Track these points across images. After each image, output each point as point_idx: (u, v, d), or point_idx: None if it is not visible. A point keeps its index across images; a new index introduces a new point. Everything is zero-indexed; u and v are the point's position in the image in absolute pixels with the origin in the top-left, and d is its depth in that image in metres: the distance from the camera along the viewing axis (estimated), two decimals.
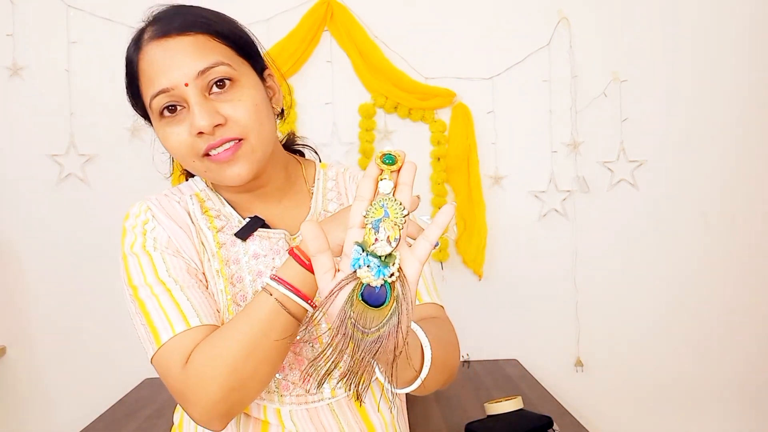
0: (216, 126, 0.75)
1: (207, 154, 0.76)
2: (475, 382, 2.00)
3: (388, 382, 0.60)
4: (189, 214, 0.84)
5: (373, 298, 0.52)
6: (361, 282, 0.53)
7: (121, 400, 1.97)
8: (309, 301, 0.69)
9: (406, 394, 0.90)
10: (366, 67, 2.20)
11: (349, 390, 0.53)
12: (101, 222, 2.17)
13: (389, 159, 0.55)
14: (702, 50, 2.30)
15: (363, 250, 0.53)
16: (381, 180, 0.55)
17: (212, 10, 0.82)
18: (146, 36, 0.79)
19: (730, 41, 2.30)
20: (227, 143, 0.76)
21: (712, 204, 2.31)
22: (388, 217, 0.53)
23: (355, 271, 0.53)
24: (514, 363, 2.21)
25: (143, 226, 0.82)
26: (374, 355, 0.52)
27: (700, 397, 2.32)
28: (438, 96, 2.22)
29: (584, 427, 1.60)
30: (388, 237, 0.53)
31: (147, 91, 0.78)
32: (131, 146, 2.18)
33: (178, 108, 0.77)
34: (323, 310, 0.54)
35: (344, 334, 0.52)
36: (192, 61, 0.75)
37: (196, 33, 0.77)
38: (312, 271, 0.64)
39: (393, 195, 0.54)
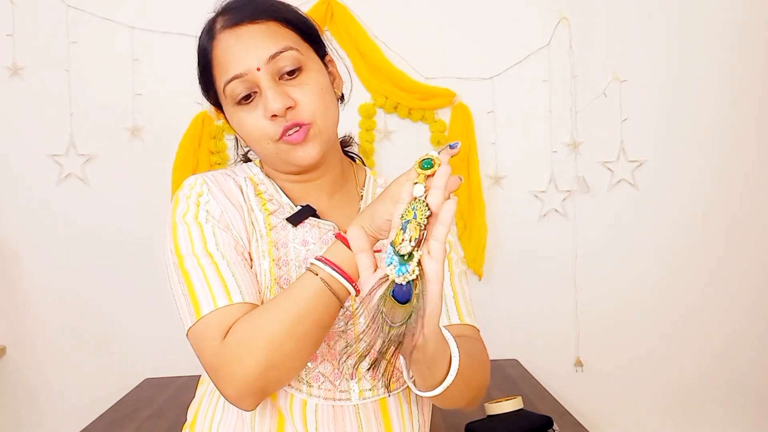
0: (288, 108, 0.79)
1: (280, 138, 0.80)
2: None
3: (407, 375, 0.67)
4: (242, 194, 0.86)
5: (401, 295, 0.57)
6: (393, 280, 0.58)
7: (121, 400, 1.97)
8: (353, 284, 0.70)
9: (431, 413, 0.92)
10: (366, 67, 2.20)
11: (376, 379, 0.60)
12: (101, 222, 2.17)
13: (427, 164, 0.60)
14: (702, 50, 2.30)
15: (393, 250, 0.58)
16: (414, 184, 0.59)
17: (274, 1, 0.86)
18: (218, 26, 0.83)
19: (730, 41, 2.30)
20: (298, 126, 0.80)
21: (712, 204, 2.31)
22: (415, 218, 0.58)
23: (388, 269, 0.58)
24: (514, 363, 2.21)
25: (197, 198, 0.83)
26: (397, 346, 0.57)
27: (701, 397, 2.32)
28: (438, 96, 2.22)
29: (584, 427, 1.60)
30: (411, 237, 0.57)
31: (221, 78, 0.81)
32: (131, 146, 2.18)
33: (252, 94, 0.80)
34: (364, 306, 0.58)
35: (376, 326, 0.57)
36: (264, 47, 0.79)
37: (267, 20, 0.81)
38: None
39: (424, 198, 0.58)
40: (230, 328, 0.73)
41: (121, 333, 2.18)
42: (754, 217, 2.32)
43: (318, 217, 0.87)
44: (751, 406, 2.33)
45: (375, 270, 0.61)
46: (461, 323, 0.86)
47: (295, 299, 0.71)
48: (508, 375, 2.07)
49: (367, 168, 1.00)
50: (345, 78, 0.93)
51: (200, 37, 0.85)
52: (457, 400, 0.75)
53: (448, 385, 0.67)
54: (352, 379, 0.81)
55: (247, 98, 0.81)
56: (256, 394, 0.72)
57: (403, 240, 0.57)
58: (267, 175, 0.91)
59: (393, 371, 0.60)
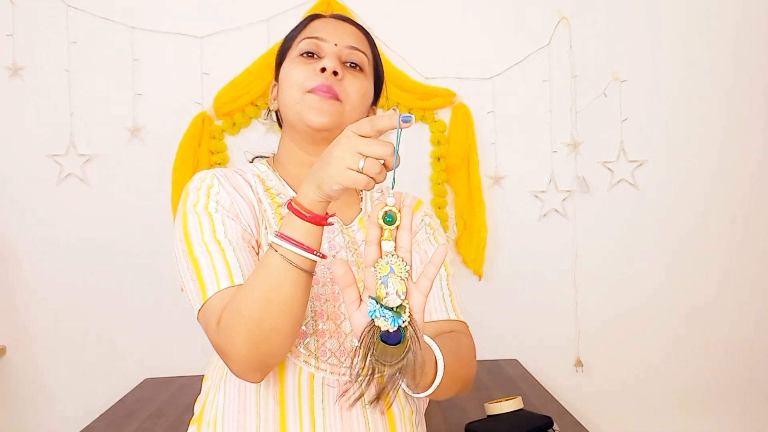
0: (334, 73, 0.90)
1: (311, 91, 0.89)
2: (475, 382, 1.98)
3: (410, 389, 0.76)
4: (251, 188, 0.93)
5: (391, 339, 0.64)
6: (379, 327, 0.64)
7: (121, 400, 1.97)
8: (314, 252, 0.73)
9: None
10: None
11: (377, 407, 0.69)
12: (101, 222, 2.17)
13: (390, 217, 0.65)
14: (702, 50, 2.30)
15: (377, 303, 0.64)
16: (383, 241, 0.65)
17: None
18: (327, 15, 0.99)
19: (729, 41, 2.30)
20: (332, 93, 0.89)
21: (712, 204, 2.31)
22: (394, 272, 0.64)
23: (373, 320, 0.64)
24: (514, 363, 2.21)
25: (208, 190, 0.89)
26: (398, 380, 0.65)
27: (700, 397, 2.32)
28: (438, 96, 2.22)
29: (584, 427, 1.60)
30: (397, 291, 0.64)
31: (303, 34, 0.95)
32: (131, 146, 2.19)
33: (315, 57, 0.93)
34: (360, 359, 0.65)
35: (371, 368, 0.64)
36: (350, 39, 0.94)
37: (360, 31, 0.98)
38: (313, 222, 0.72)
39: (396, 252, 0.65)
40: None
41: (121, 333, 2.18)
42: (755, 217, 2.32)
43: None
44: (751, 404, 2.33)
45: (359, 304, 0.67)
46: (457, 319, 0.96)
47: (262, 278, 0.74)
48: (508, 375, 2.07)
49: (395, 153, 1.05)
50: None
51: (304, 19, 1.00)
52: (446, 393, 0.81)
53: (436, 387, 0.76)
54: (351, 407, 0.86)
55: (310, 56, 0.93)
56: (255, 368, 0.77)
57: (387, 294, 0.63)
58: (274, 171, 0.98)
59: (394, 400, 0.73)
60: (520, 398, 1.61)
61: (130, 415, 1.81)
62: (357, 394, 0.66)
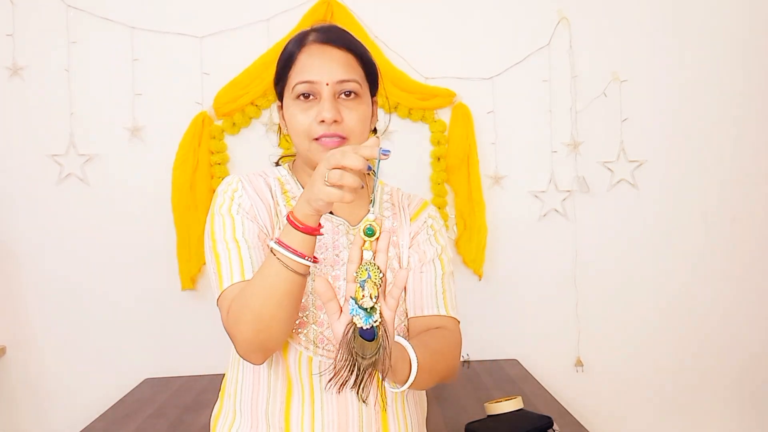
0: (334, 121, 0.96)
1: (317, 139, 0.98)
2: (475, 382, 2.00)
3: (385, 381, 0.87)
4: (271, 191, 1.04)
5: (367, 335, 0.75)
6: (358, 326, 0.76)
7: (121, 400, 1.97)
8: (306, 258, 0.84)
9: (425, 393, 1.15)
10: None
11: (359, 394, 0.78)
12: (101, 222, 2.17)
13: (370, 231, 0.76)
14: (702, 50, 2.30)
15: (355, 302, 0.75)
16: (364, 250, 0.76)
17: (357, 39, 1.07)
18: (310, 38, 1.01)
19: (729, 41, 2.30)
20: (336, 137, 0.97)
21: (712, 204, 2.31)
22: (370, 278, 0.75)
23: (352, 317, 0.76)
24: (514, 363, 2.21)
25: (233, 194, 1.01)
26: (372, 371, 0.77)
27: (700, 397, 2.32)
28: (438, 96, 2.22)
29: (584, 427, 1.60)
30: (371, 294, 0.74)
31: (295, 77, 1.00)
32: (131, 146, 2.19)
33: (311, 97, 0.99)
34: (341, 348, 0.76)
35: (351, 359, 0.76)
36: (339, 71, 0.99)
37: (348, 51, 1.01)
38: (306, 233, 0.83)
39: (374, 260, 0.76)
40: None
41: (121, 333, 2.18)
42: (754, 217, 2.32)
43: (331, 213, 1.04)
44: (751, 404, 2.34)
45: (339, 315, 0.77)
46: (447, 315, 1.03)
47: (264, 278, 0.86)
48: (508, 375, 2.07)
49: (375, 177, 1.08)
50: (382, 119, 1.09)
51: (290, 43, 1.03)
52: (424, 385, 0.92)
53: (412, 381, 0.86)
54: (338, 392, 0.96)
55: (306, 97, 0.98)
56: (257, 352, 0.90)
57: (363, 296, 0.74)
58: (292, 175, 1.08)
59: (370, 389, 0.80)
60: (520, 398, 1.61)
61: (130, 415, 1.81)
62: (341, 380, 0.76)
